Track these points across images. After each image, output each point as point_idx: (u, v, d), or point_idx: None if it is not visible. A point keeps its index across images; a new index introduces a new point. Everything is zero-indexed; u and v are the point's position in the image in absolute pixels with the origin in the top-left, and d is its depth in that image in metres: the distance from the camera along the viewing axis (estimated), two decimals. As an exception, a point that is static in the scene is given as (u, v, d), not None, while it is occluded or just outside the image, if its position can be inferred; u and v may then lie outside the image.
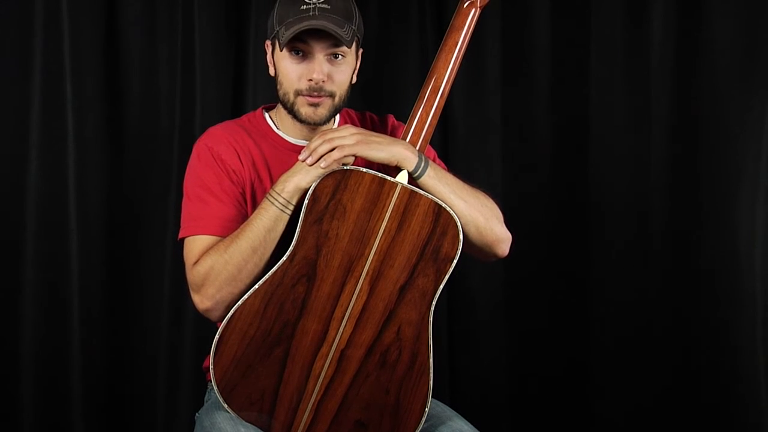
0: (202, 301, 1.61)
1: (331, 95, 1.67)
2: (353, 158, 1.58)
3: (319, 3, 1.63)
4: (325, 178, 1.56)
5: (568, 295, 2.63)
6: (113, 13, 2.43)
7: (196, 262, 1.62)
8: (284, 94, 1.69)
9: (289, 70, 1.66)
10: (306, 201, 1.56)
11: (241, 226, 1.60)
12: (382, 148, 1.58)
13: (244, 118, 1.81)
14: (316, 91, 1.65)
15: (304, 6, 1.63)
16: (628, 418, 2.59)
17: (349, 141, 1.57)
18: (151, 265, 2.48)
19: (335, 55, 1.66)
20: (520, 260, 2.54)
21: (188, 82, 2.45)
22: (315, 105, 1.67)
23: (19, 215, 2.37)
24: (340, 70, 1.67)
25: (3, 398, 2.39)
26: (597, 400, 2.61)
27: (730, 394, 2.52)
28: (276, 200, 1.58)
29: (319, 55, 1.64)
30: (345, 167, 1.57)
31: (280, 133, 1.76)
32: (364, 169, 1.57)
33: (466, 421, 1.69)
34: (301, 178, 1.57)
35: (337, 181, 1.56)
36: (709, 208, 2.54)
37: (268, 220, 1.58)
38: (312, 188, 1.56)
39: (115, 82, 2.44)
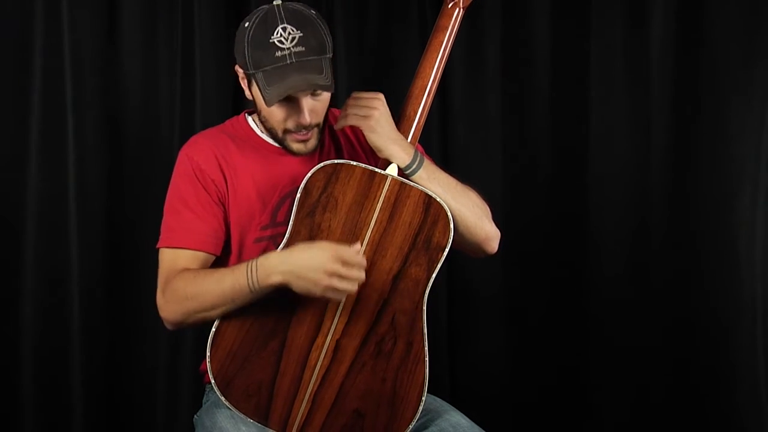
0: (162, 312, 1.65)
1: (317, 125, 1.67)
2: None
3: (292, 47, 1.56)
4: (316, 172, 1.57)
5: (567, 290, 2.63)
6: (114, 12, 2.44)
7: (168, 283, 1.64)
8: (270, 128, 1.69)
9: (275, 113, 1.65)
10: (298, 195, 1.57)
11: (212, 282, 1.57)
12: (381, 136, 1.61)
13: (227, 123, 1.80)
14: (304, 129, 1.65)
15: (279, 53, 1.56)
16: (627, 411, 2.59)
17: (362, 112, 1.61)
18: (151, 266, 2.47)
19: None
20: (519, 255, 2.55)
21: (188, 83, 2.46)
22: (304, 141, 1.67)
23: (19, 215, 2.38)
24: (321, 99, 1.65)
25: (3, 398, 2.39)
26: (596, 393, 2.60)
27: (730, 394, 2.51)
28: (251, 278, 1.54)
29: (305, 99, 1.62)
30: (336, 162, 1.58)
31: (263, 136, 1.75)
32: (355, 162, 1.59)
33: (463, 415, 1.69)
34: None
35: (328, 174, 1.58)
36: (710, 209, 2.53)
37: (239, 294, 1.55)
38: (304, 182, 1.57)
39: (115, 82, 2.45)
